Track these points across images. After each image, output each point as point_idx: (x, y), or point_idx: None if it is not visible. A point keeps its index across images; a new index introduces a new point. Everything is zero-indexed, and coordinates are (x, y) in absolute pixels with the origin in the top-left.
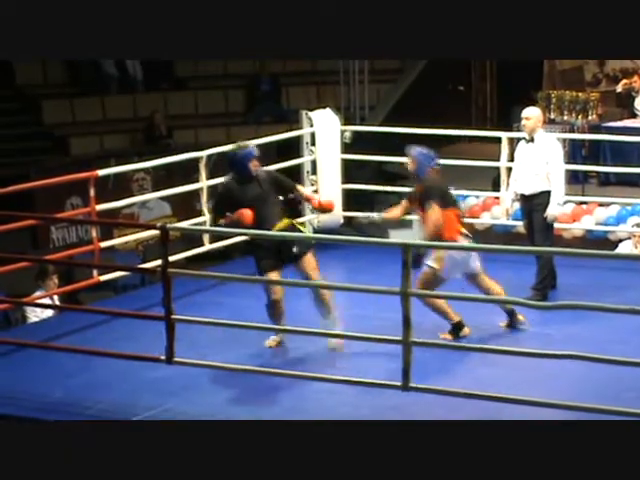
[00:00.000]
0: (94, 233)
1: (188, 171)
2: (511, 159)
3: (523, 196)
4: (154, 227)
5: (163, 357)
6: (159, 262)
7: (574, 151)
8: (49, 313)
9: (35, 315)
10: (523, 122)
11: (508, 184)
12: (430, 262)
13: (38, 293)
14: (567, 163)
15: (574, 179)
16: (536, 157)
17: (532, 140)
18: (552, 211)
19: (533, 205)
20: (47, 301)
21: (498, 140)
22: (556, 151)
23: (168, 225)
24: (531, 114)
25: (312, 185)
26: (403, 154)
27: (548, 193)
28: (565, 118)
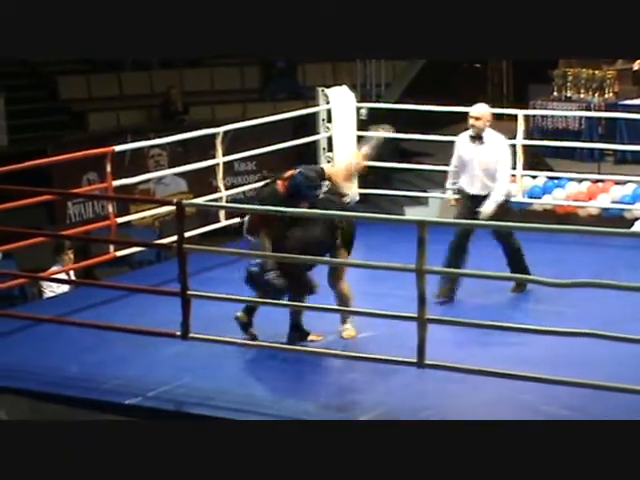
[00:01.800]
0: (110, 209)
1: (204, 147)
2: (528, 137)
3: (469, 196)
4: (170, 203)
5: (179, 333)
6: (175, 238)
7: (590, 129)
8: (65, 288)
9: (51, 290)
10: (472, 121)
11: (449, 179)
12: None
13: (55, 268)
14: (583, 141)
15: (590, 157)
16: (486, 157)
17: (480, 139)
18: (487, 208)
19: (480, 206)
20: (63, 276)
21: (514, 118)
22: (506, 152)
23: (184, 201)
24: (480, 113)
25: (328, 162)
26: (419, 131)
27: None
28: (581, 96)
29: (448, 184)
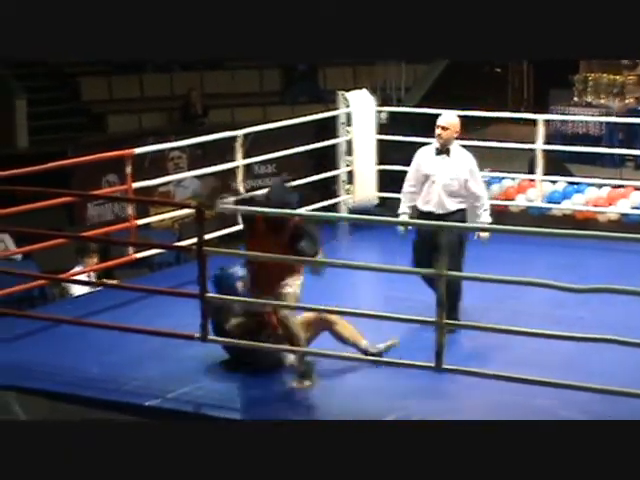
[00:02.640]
0: (130, 211)
1: (224, 150)
2: (548, 142)
3: (430, 214)
4: (189, 206)
5: (198, 335)
6: (194, 240)
7: (611, 134)
8: (87, 288)
9: (75, 290)
10: (438, 131)
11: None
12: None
13: (78, 268)
14: (604, 146)
15: (610, 162)
16: (451, 173)
17: (447, 152)
18: (485, 232)
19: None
20: (85, 277)
21: (534, 122)
22: (476, 168)
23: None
24: (449, 123)
25: (347, 166)
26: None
27: (463, 212)
28: (602, 101)
29: (402, 209)
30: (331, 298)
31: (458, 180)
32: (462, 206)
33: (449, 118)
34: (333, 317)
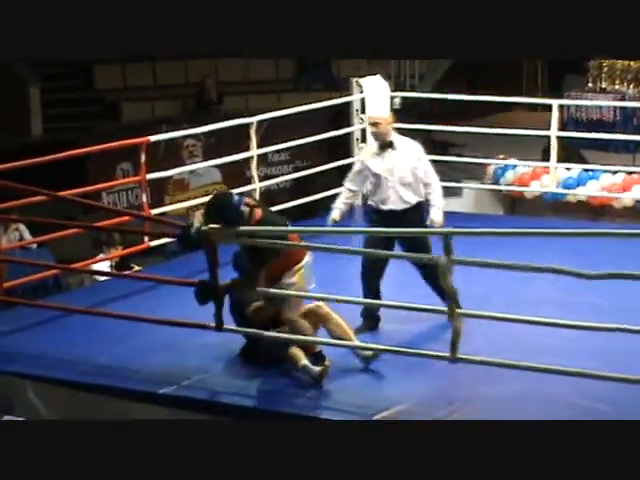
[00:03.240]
0: (145, 199)
1: (238, 138)
2: (562, 128)
3: (383, 213)
4: (178, 225)
5: (212, 324)
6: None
7: (625, 120)
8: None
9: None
10: (372, 129)
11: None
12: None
13: (102, 255)
14: (618, 133)
15: (625, 148)
16: (402, 165)
17: (391, 146)
18: (438, 217)
19: (404, 222)
20: (106, 265)
21: (549, 108)
22: (422, 153)
23: (192, 227)
24: (379, 117)
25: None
26: (453, 122)
27: (419, 205)
28: (617, 87)
29: (337, 204)
30: (337, 285)
31: (411, 170)
32: (418, 199)
33: (377, 113)
34: (326, 313)
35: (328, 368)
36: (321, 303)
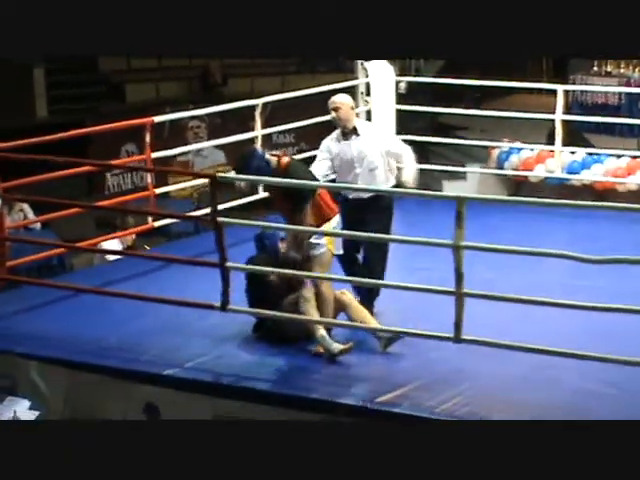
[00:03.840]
0: (149, 180)
1: (243, 119)
2: (567, 112)
3: (351, 201)
4: (204, 175)
5: (217, 305)
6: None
7: (630, 104)
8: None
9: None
10: (333, 115)
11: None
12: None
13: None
14: (623, 116)
15: (630, 132)
16: (371, 151)
17: (354, 132)
18: (409, 176)
19: (370, 210)
20: (117, 245)
21: (553, 92)
22: (387, 133)
23: (219, 174)
24: (340, 102)
25: None
26: (457, 105)
27: (387, 196)
28: (622, 71)
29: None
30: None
31: (381, 152)
32: (390, 183)
33: (337, 98)
34: (349, 300)
35: (351, 348)
36: (345, 290)
